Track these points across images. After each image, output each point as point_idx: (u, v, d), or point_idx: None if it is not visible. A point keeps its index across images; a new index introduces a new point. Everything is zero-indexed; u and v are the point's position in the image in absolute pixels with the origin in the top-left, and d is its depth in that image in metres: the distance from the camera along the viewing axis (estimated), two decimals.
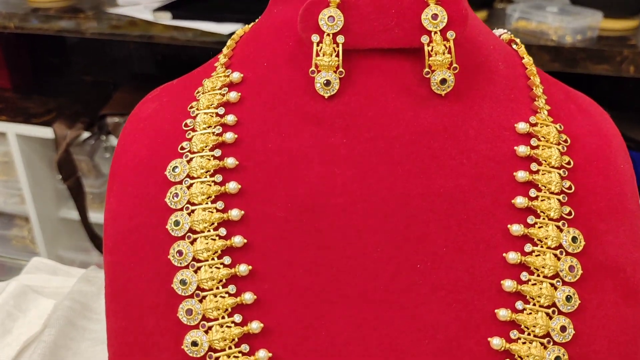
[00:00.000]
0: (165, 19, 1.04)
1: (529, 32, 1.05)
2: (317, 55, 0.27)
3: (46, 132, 1.25)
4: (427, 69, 0.27)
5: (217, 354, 0.26)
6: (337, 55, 0.27)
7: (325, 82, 0.28)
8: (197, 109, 0.30)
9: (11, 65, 1.48)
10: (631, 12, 1.07)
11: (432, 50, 0.27)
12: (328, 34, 0.27)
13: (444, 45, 0.27)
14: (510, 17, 1.09)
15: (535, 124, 0.29)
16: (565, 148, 0.29)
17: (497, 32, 0.34)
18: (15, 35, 1.43)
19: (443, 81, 0.28)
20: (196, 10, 1.05)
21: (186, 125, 0.30)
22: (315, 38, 0.27)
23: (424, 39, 0.27)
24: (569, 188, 0.28)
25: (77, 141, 1.23)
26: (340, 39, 0.27)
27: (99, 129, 1.21)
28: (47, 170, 1.34)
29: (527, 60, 0.32)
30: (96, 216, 1.36)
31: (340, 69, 0.28)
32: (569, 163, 0.29)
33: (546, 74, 0.33)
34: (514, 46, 0.33)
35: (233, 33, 0.33)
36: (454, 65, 0.28)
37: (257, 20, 0.33)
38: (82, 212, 1.29)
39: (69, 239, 1.35)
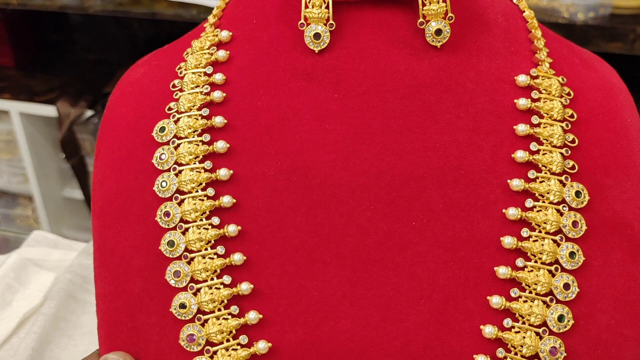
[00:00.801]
0: None
1: (540, 10, 1.04)
2: (306, 7, 0.26)
3: (49, 111, 1.24)
4: (421, 19, 0.26)
5: (206, 316, 0.25)
6: (327, 7, 0.26)
7: (314, 35, 0.27)
8: (185, 69, 0.29)
9: (14, 42, 1.47)
10: None
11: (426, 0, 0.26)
12: None
13: None
14: None
15: (536, 77, 0.28)
16: (568, 101, 0.28)
17: None
18: (19, 12, 1.42)
19: (438, 32, 0.27)
20: None
21: (174, 86, 0.29)
22: None
23: None
24: (572, 142, 0.27)
25: (81, 119, 1.23)
26: None
27: (102, 107, 1.20)
28: (50, 149, 1.34)
29: (528, 13, 0.31)
30: None
31: (331, 22, 0.26)
32: (572, 116, 0.28)
33: (549, 29, 0.32)
34: (514, 0, 0.32)
35: None
36: (450, 14, 0.26)
37: None
38: (85, 191, 1.30)
39: (72, 218, 1.35)
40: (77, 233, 1.31)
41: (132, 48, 1.50)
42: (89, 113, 1.24)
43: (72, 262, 0.51)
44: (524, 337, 0.25)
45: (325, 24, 0.26)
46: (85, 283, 0.49)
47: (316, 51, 0.27)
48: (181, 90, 0.28)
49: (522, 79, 0.28)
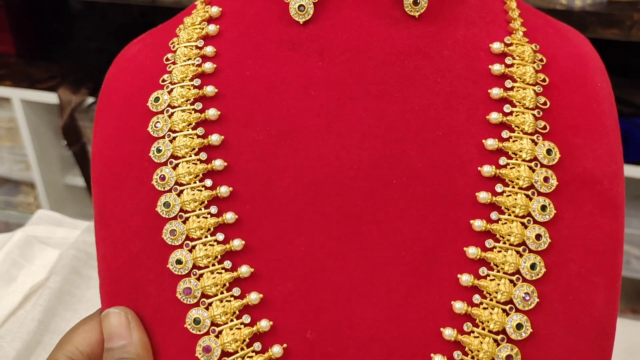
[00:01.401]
0: None
1: None
2: None
3: (51, 98, 1.25)
4: None
5: (201, 271, 0.27)
6: None
7: (299, 7, 0.28)
8: (178, 44, 0.31)
9: (15, 30, 1.47)
10: None
11: None
12: None
13: None
14: None
15: (510, 44, 0.30)
16: (540, 66, 0.29)
17: None
18: (19, 0, 1.43)
19: (416, 2, 0.28)
20: None
21: (167, 59, 0.31)
22: None
23: None
24: (544, 104, 0.29)
25: (82, 107, 1.24)
26: None
27: None
28: (52, 136, 1.36)
29: None
30: None
31: None
32: (544, 80, 0.29)
33: (526, 4, 0.34)
34: None
35: None
36: None
37: None
38: (87, 178, 1.31)
39: (74, 204, 1.37)
40: (78, 220, 1.33)
41: (132, 36, 1.50)
42: (90, 100, 1.25)
43: (76, 239, 0.52)
44: (498, 284, 0.26)
45: None
46: (89, 259, 0.51)
47: (301, 22, 0.29)
48: (174, 63, 0.30)
49: (496, 46, 0.29)
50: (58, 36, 1.58)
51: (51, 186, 1.35)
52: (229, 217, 0.27)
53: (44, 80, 1.30)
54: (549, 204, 0.27)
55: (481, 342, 0.26)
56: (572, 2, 0.99)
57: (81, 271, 0.49)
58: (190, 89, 0.29)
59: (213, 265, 0.27)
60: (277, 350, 0.26)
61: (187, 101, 0.29)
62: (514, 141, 0.28)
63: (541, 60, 0.30)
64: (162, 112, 0.29)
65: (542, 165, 0.27)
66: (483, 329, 0.26)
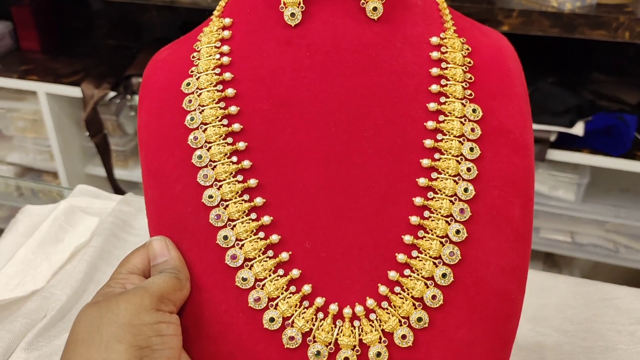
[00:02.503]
0: None
1: None
2: None
3: (74, 92, 1.34)
4: (363, 1, 0.39)
5: (227, 203, 0.37)
6: None
7: (290, 14, 0.39)
8: (201, 45, 0.41)
9: (40, 28, 1.57)
10: None
11: None
12: None
13: None
14: None
15: (444, 38, 0.41)
16: (467, 53, 0.41)
17: None
18: (44, 0, 1.52)
19: (375, 9, 0.39)
20: None
21: (193, 57, 0.41)
22: None
23: None
24: (470, 79, 0.40)
25: (104, 100, 1.33)
26: None
27: (124, 89, 1.31)
28: (74, 128, 1.44)
29: (441, 0, 0.44)
30: (121, 173, 1.44)
31: (301, 5, 0.39)
32: (470, 63, 0.40)
33: (458, 12, 0.45)
34: None
35: None
36: None
37: None
38: (107, 168, 1.39)
39: None
40: (113, 194, 1.40)
41: (150, 34, 1.59)
42: (112, 94, 1.33)
43: (113, 208, 0.62)
44: (441, 204, 0.37)
45: (298, 6, 0.39)
46: (125, 225, 0.60)
47: (292, 25, 0.39)
48: (199, 59, 0.41)
49: (434, 40, 0.40)
50: (79, 34, 1.67)
51: (73, 175, 1.42)
52: (246, 164, 0.37)
53: (67, 75, 1.39)
54: (476, 147, 0.38)
55: (431, 244, 0.36)
56: (563, 5, 1.07)
57: (118, 234, 0.58)
58: (213, 76, 0.39)
59: (236, 198, 0.37)
60: (284, 255, 0.36)
61: (211, 85, 0.39)
62: (448, 104, 0.38)
63: (467, 49, 0.41)
64: (192, 93, 0.39)
65: (469, 120, 0.38)
66: (432, 235, 0.36)
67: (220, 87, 0.39)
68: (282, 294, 0.35)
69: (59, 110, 1.39)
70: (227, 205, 0.37)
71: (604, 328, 0.63)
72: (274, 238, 0.36)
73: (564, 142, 1.24)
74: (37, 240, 0.55)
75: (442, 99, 0.39)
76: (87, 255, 0.54)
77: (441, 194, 0.37)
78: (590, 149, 1.23)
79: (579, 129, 1.21)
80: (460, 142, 0.38)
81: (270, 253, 0.36)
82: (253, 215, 0.37)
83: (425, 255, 0.36)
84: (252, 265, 0.36)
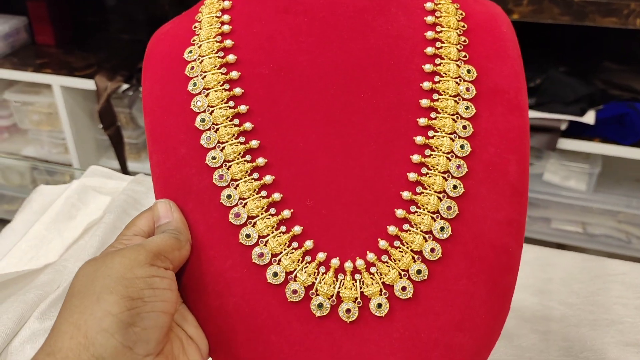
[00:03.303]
0: None
1: None
2: None
3: (88, 84, 1.37)
4: None
5: (230, 163, 0.38)
6: None
7: None
8: (202, 16, 0.42)
9: (55, 22, 1.61)
10: None
11: None
12: None
13: None
14: None
15: (438, 3, 0.42)
16: (461, 18, 0.42)
17: None
18: None
19: None
20: None
21: (194, 27, 0.42)
22: None
23: None
24: (464, 41, 0.41)
25: (117, 93, 1.35)
26: None
27: (137, 82, 1.33)
28: (88, 121, 1.47)
29: None
30: (134, 165, 1.46)
31: None
32: (464, 27, 0.41)
33: None
34: None
35: None
36: None
37: None
38: (121, 160, 1.41)
39: None
40: (125, 175, 1.43)
41: None
42: (125, 87, 1.35)
43: (124, 187, 0.63)
44: (438, 161, 0.38)
45: None
46: (136, 203, 0.61)
47: None
48: (200, 28, 0.42)
49: (428, 5, 0.41)
50: (93, 29, 1.71)
51: (87, 167, 1.44)
52: (248, 125, 0.38)
53: (81, 69, 1.41)
54: (471, 106, 0.39)
55: (429, 199, 0.37)
56: None
57: (130, 212, 0.60)
58: (214, 43, 0.41)
59: (238, 159, 0.38)
60: (286, 213, 0.37)
61: (212, 52, 0.40)
62: (444, 65, 0.39)
63: (461, 14, 0.42)
64: (194, 60, 0.40)
65: (464, 80, 0.39)
66: (430, 190, 0.37)
67: (221, 53, 0.40)
68: (284, 249, 0.37)
69: (73, 103, 1.42)
70: (230, 166, 0.38)
71: (610, 302, 0.64)
72: (276, 196, 0.37)
73: (575, 131, 1.24)
74: (50, 217, 0.57)
75: (438, 61, 0.40)
76: (99, 231, 0.56)
77: (438, 152, 0.38)
78: (601, 138, 1.23)
79: (590, 118, 1.21)
80: (455, 101, 0.39)
81: (272, 211, 0.37)
82: (255, 175, 0.38)
83: (424, 210, 0.37)
84: (255, 223, 0.37)
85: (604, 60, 1.39)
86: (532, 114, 1.22)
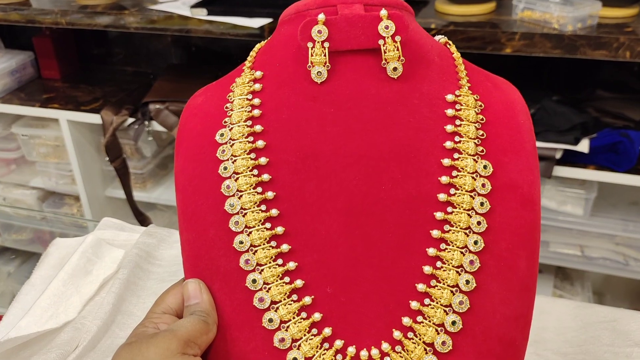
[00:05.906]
0: (202, 14, 1.19)
1: (533, 21, 1.15)
2: (312, 55, 0.42)
3: (94, 118, 1.40)
4: (384, 61, 0.42)
5: (256, 248, 0.40)
6: (325, 55, 0.42)
7: (317, 73, 0.42)
8: (233, 96, 0.45)
9: (60, 57, 1.64)
10: (630, 0, 1.16)
11: (386, 49, 0.42)
12: (318, 42, 0.42)
13: (394, 45, 0.42)
14: (516, 7, 1.18)
15: (459, 95, 0.44)
16: (480, 110, 0.44)
17: (437, 37, 0.49)
18: (63, 30, 1.59)
19: (395, 69, 0.42)
20: (229, 5, 1.22)
21: (226, 107, 0.45)
22: (309, 44, 0.42)
23: (381, 41, 0.42)
24: (482, 135, 0.43)
25: (123, 126, 1.38)
26: (326, 44, 0.42)
27: (142, 115, 1.36)
28: (94, 153, 1.50)
29: (456, 55, 0.47)
30: (139, 195, 1.49)
31: (327, 64, 0.42)
32: (482, 119, 0.43)
33: (473, 64, 0.48)
34: (448, 46, 0.48)
35: (262, 26, 0.48)
36: (402, 58, 0.42)
37: (269, 38, 0.48)
38: (127, 191, 1.44)
39: (115, 215, 1.50)
40: (135, 226, 1.46)
41: (164, 61, 1.64)
42: (130, 120, 1.39)
43: (137, 240, 0.65)
44: (453, 255, 0.40)
45: (324, 66, 0.42)
46: (148, 257, 0.63)
47: (318, 82, 0.43)
48: (232, 110, 0.44)
49: (449, 97, 0.43)
50: (98, 61, 1.74)
51: (93, 198, 1.48)
52: (274, 212, 0.41)
53: (87, 103, 1.45)
54: (486, 201, 0.41)
55: (442, 293, 0.39)
56: (564, 26, 1.10)
57: (143, 266, 0.62)
58: (244, 128, 0.43)
59: (264, 244, 0.40)
60: (307, 299, 0.39)
61: (243, 136, 0.43)
62: (461, 160, 0.41)
63: (480, 105, 0.44)
64: (225, 143, 0.43)
65: (481, 176, 0.41)
66: (444, 284, 0.39)
67: (251, 138, 0.43)
68: (304, 335, 0.39)
69: (79, 136, 1.45)
70: (256, 251, 0.40)
71: (602, 350, 0.66)
72: (298, 283, 0.40)
73: (569, 159, 1.26)
74: (68, 273, 0.59)
75: (456, 155, 0.42)
76: (114, 287, 0.58)
77: (453, 246, 0.40)
78: (596, 165, 1.25)
79: (584, 146, 1.23)
80: (471, 196, 0.41)
81: (294, 297, 0.39)
82: (279, 261, 0.40)
83: (437, 303, 0.39)
84: (277, 308, 0.39)
85: (596, 89, 1.40)
86: None
